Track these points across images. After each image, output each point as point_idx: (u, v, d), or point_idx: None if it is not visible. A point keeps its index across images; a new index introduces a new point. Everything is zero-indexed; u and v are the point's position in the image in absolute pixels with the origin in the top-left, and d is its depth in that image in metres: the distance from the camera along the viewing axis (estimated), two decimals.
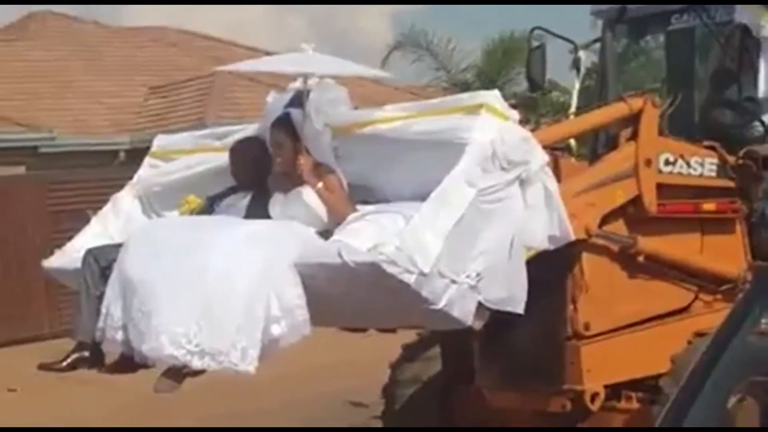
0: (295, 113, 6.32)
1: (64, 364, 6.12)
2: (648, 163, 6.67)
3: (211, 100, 20.46)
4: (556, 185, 6.04)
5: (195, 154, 6.92)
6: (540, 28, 8.40)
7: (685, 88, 8.00)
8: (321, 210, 6.10)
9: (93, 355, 6.05)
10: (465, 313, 5.59)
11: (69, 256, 6.56)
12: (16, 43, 22.89)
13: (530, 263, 5.89)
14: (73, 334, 6.22)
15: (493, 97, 5.91)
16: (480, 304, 5.64)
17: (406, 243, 5.30)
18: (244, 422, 10.50)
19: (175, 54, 24.68)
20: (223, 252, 5.64)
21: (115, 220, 6.80)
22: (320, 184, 6.14)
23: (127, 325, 5.68)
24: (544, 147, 6.07)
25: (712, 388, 3.95)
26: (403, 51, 26.30)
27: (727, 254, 7.07)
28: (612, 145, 6.96)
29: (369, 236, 5.56)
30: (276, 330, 5.53)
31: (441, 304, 5.47)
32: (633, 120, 6.73)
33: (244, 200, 6.36)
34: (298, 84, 6.40)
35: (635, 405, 6.69)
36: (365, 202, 6.15)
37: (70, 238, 6.79)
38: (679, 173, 6.85)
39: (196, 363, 5.50)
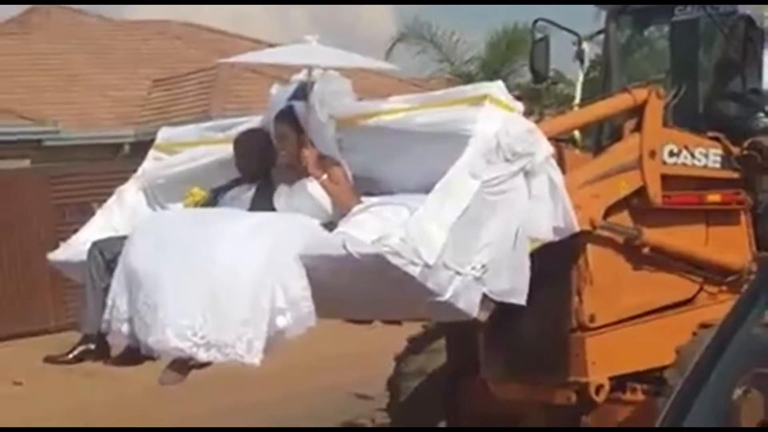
0: (299, 105, 6.31)
1: (70, 356, 6.14)
2: (652, 154, 6.66)
3: (215, 93, 20.40)
4: (561, 177, 6.02)
5: (199, 146, 6.92)
6: (543, 19, 8.38)
7: (689, 79, 7.97)
8: (326, 202, 6.10)
9: (99, 348, 6.06)
10: (470, 304, 5.59)
11: (74, 249, 6.56)
12: (20, 37, 22.85)
13: (535, 255, 5.88)
14: (78, 326, 6.23)
15: (497, 88, 5.90)
16: (485, 296, 5.65)
17: (411, 235, 5.29)
18: (248, 414, 10.52)
19: (179, 47, 24.63)
20: (228, 244, 5.64)
21: (119, 213, 6.80)
22: (324, 176, 6.14)
23: (133, 317, 5.69)
24: (549, 138, 6.05)
25: (717, 380, 3.93)
26: (406, 43, 26.22)
27: (731, 245, 7.06)
28: (616, 136, 6.94)
29: (374, 228, 5.55)
30: (281, 322, 5.53)
31: (446, 296, 5.47)
32: (637, 111, 6.72)
33: (248, 192, 6.36)
34: (302, 76, 6.40)
35: (640, 397, 6.68)
36: (369, 194, 6.14)
37: (75, 231, 6.80)
38: (684, 164, 6.84)
39: (202, 355, 5.51)
